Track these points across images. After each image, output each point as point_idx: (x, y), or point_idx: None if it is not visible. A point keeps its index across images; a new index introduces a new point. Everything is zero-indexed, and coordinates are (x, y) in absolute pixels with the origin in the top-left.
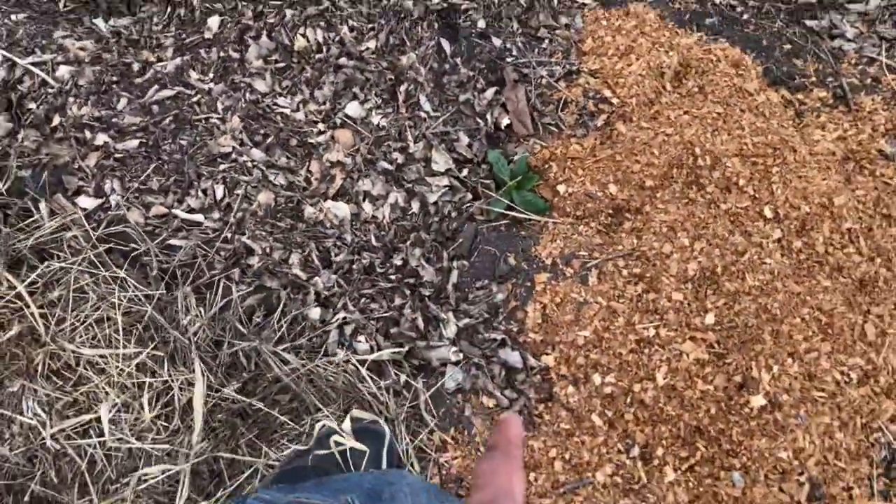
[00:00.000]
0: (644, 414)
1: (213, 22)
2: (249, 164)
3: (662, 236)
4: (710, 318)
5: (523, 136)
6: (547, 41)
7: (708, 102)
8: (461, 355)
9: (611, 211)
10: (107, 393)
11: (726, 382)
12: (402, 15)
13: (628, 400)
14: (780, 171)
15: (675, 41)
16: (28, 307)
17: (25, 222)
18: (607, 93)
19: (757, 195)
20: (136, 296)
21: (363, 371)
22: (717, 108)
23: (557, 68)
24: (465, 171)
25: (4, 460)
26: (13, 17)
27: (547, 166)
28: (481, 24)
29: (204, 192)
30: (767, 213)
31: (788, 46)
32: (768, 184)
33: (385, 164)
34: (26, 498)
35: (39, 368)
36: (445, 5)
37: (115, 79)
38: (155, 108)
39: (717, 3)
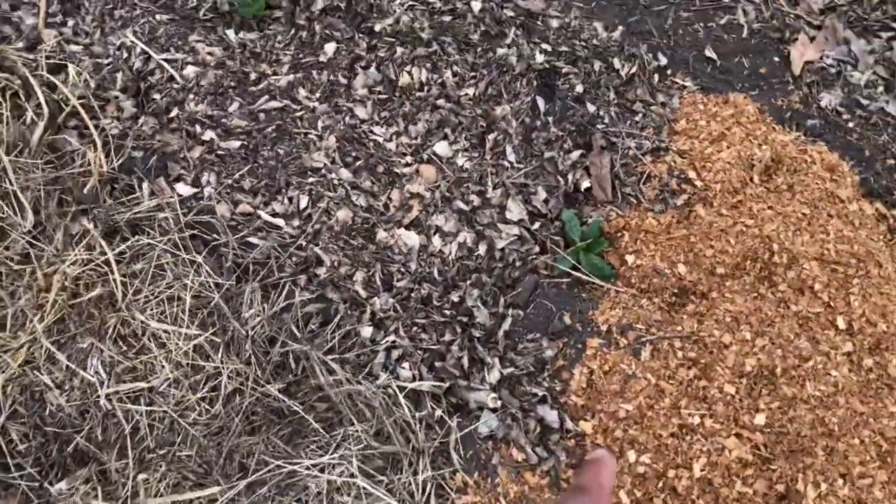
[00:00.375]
0: (674, 502)
1: (330, 48)
2: (336, 182)
3: (725, 326)
4: (760, 419)
5: (601, 202)
6: (640, 115)
7: (795, 201)
8: (499, 403)
9: (676, 290)
10: (163, 366)
11: (767, 489)
12: (505, 69)
13: (660, 484)
14: (861, 284)
15: (771, 136)
16: (112, 274)
17: (127, 198)
18: (692, 174)
19: (832, 303)
20: (207, 282)
21: (401, 398)
22: (804, 209)
23: (646, 142)
24: (536, 225)
25: (60, 409)
26: (157, 17)
27: (619, 234)
28: (579, 88)
29: (290, 199)
30: (840, 323)
31: (892, 162)
32: (846, 294)
33: (461, 204)
34: (70, 449)
35: (109, 331)
36: (547, 66)
37: (232, 84)
38: (261, 115)
39: (823, 106)
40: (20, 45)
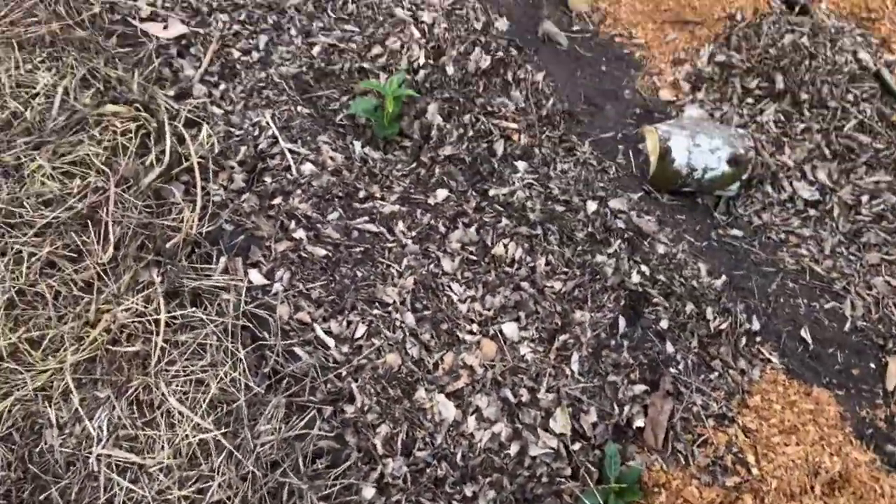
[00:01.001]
0: None
1: (441, 194)
2: (398, 323)
3: None
4: None
5: (649, 447)
6: (717, 374)
7: None
8: None
9: None
10: (163, 447)
11: None
12: (598, 276)
13: None
14: None
15: (846, 450)
16: (157, 335)
17: (202, 266)
18: (751, 458)
19: None
20: (239, 380)
21: None
22: None
23: (714, 405)
24: (577, 446)
25: (50, 451)
26: (298, 108)
27: (656, 490)
28: (664, 323)
29: (348, 323)
30: None
31: None
32: None
33: (509, 394)
34: (41, 498)
35: (129, 391)
36: (640, 290)
37: (339, 194)
38: (355, 233)
39: None
40: (171, 91)
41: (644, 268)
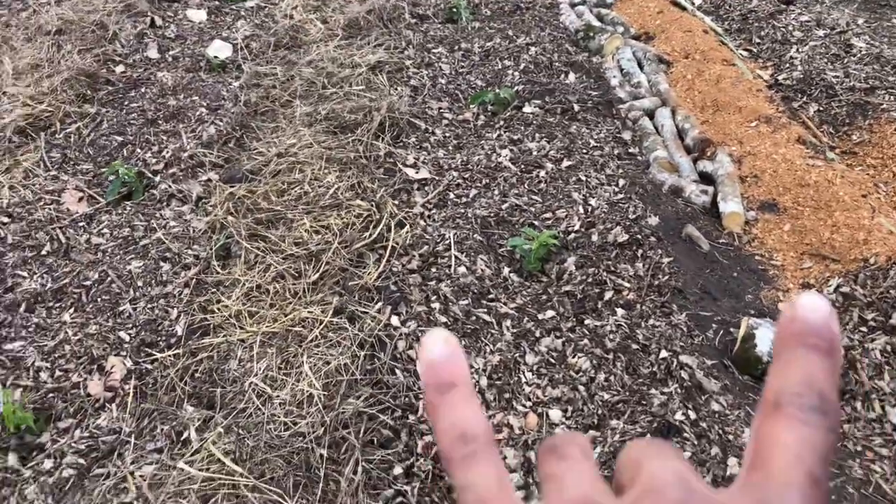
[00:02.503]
0: None
1: (549, 313)
2: (473, 381)
3: None
4: None
5: None
6: None
7: None
8: None
9: None
10: (287, 390)
11: None
12: (644, 403)
13: None
14: None
15: None
16: (318, 328)
17: (364, 302)
18: None
19: None
20: (349, 368)
21: None
22: None
23: None
24: None
25: (227, 370)
26: (476, 236)
27: None
28: (686, 453)
29: None
30: None
31: None
32: None
33: (533, 456)
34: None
35: (285, 354)
36: (677, 424)
37: (475, 291)
38: (473, 317)
39: None
40: (398, 202)
41: (691, 412)
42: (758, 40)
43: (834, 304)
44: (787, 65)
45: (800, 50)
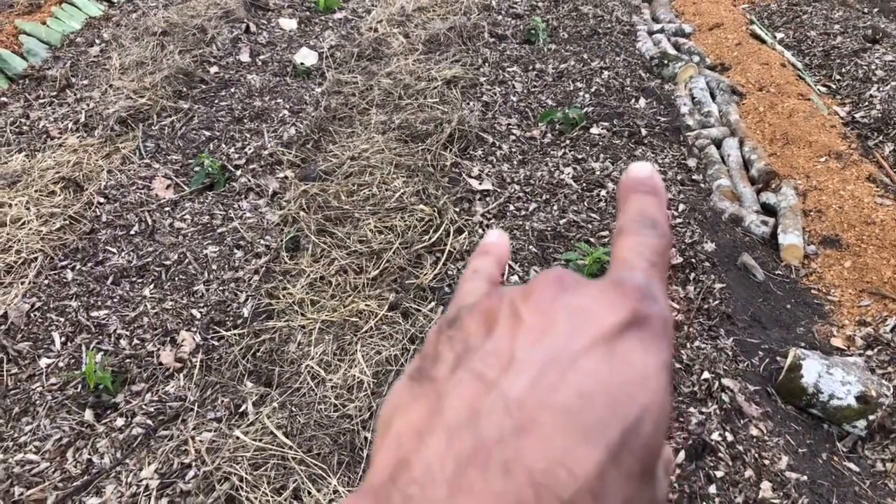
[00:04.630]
0: None
1: None
2: None
3: None
4: None
5: None
6: None
7: None
8: None
9: None
10: (340, 374)
11: None
12: (682, 420)
13: None
14: None
15: None
16: (375, 319)
17: (418, 300)
18: None
19: None
20: (399, 359)
21: None
22: None
23: None
24: None
25: (287, 352)
26: (531, 247)
27: None
28: (719, 472)
29: None
30: None
31: None
32: None
33: None
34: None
35: (342, 342)
36: (712, 443)
37: None
38: None
39: None
40: (460, 209)
41: (728, 434)
42: (838, 77)
43: (889, 343)
44: (866, 103)
45: (881, 89)
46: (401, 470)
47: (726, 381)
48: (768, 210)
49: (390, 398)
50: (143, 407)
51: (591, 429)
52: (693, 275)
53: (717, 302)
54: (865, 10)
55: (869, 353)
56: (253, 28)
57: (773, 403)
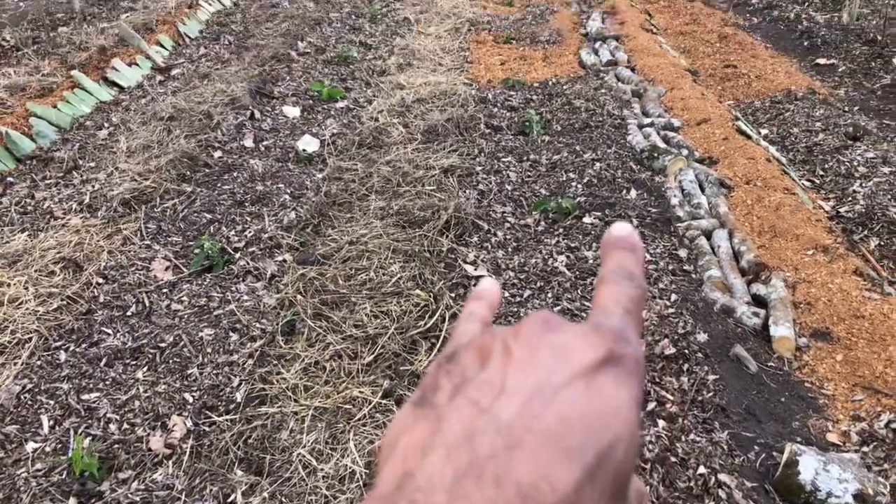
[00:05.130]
0: None
1: None
2: None
3: None
4: None
5: None
6: None
7: None
8: None
9: None
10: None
11: None
12: None
13: None
14: None
15: None
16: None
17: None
18: None
19: None
20: None
21: None
22: None
23: None
24: None
25: (278, 439)
26: None
27: None
28: None
29: None
30: None
31: None
32: None
33: None
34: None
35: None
36: None
37: None
38: None
39: None
40: (455, 295)
41: None
42: (821, 172)
43: (884, 440)
44: (850, 198)
45: (863, 185)
46: (406, 480)
47: (723, 477)
48: (759, 301)
49: (395, 423)
50: (129, 496)
51: (571, 450)
52: (686, 366)
53: (710, 394)
54: (846, 108)
55: (864, 448)
56: (257, 115)
57: (772, 501)
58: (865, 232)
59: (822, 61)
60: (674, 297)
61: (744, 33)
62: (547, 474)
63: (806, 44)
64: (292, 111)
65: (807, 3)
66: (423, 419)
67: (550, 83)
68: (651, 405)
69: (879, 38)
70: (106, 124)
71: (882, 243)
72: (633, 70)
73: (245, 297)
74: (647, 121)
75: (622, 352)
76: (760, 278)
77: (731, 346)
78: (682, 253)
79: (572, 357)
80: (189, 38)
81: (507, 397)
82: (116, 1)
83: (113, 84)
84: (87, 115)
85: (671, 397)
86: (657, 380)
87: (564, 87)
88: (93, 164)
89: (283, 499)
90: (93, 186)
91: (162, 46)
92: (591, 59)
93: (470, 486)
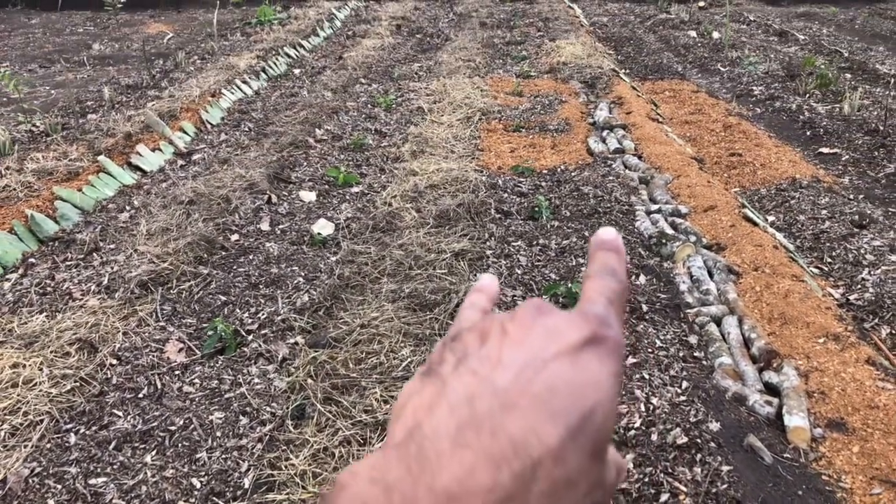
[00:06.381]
0: None
1: None
2: None
3: None
4: None
5: None
6: None
7: None
8: None
9: None
10: None
11: None
12: None
13: None
14: None
15: None
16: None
17: None
18: None
19: None
20: None
21: None
22: None
23: None
24: None
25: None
26: None
27: None
28: None
29: None
30: None
31: None
32: None
33: None
34: None
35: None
36: None
37: None
38: None
39: None
40: None
41: None
42: (829, 259)
43: None
44: (859, 286)
45: (872, 272)
46: (415, 431)
47: None
48: (771, 389)
49: (405, 390)
50: None
51: (557, 412)
52: (699, 455)
53: (725, 486)
54: (851, 196)
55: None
56: (274, 199)
57: None
58: (876, 320)
59: (825, 150)
60: (685, 384)
61: (747, 123)
62: (536, 430)
63: (808, 133)
64: (308, 196)
65: (808, 95)
66: (430, 385)
67: (559, 170)
68: (664, 497)
69: (881, 127)
70: (128, 207)
71: (893, 332)
72: (640, 158)
73: (256, 380)
74: (654, 207)
75: (605, 334)
76: (772, 365)
77: (744, 435)
78: (693, 339)
79: (561, 336)
80: (211, 124)
81: (502, 368)
82: (144, 90)
83: (136, 168)
84: (110, 198)
85: (684, 489)
86: (669, 470)
87: (573, 173)
88: (113, 246)
89: None
90: (112, 268)
91: (184, 132)
92: (599, 147)
93: (470, 435)
